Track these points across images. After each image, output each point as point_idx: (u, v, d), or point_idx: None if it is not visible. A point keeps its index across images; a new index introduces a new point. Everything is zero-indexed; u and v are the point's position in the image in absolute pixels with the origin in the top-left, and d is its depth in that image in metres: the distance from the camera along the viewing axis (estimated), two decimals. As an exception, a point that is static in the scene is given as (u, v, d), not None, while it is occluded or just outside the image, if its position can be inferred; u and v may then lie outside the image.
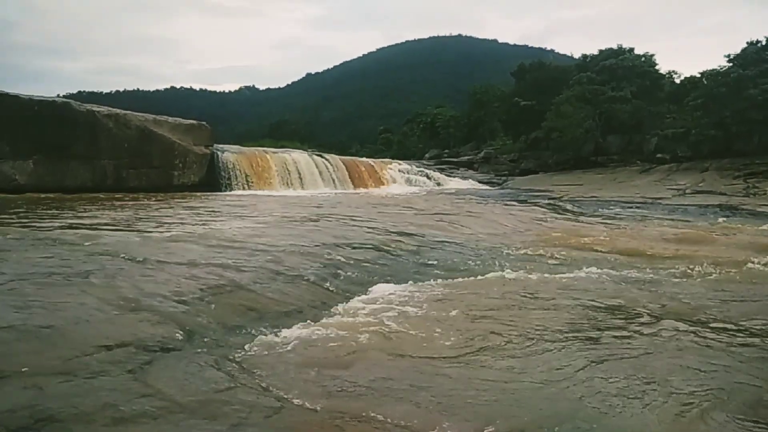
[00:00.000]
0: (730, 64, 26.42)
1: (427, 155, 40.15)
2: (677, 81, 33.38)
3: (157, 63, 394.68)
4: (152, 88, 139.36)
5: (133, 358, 3.29)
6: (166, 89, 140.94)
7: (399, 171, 28.03)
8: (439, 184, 27.91)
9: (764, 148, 24.31)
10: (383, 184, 25.75)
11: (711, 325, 4.79)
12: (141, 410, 2.74)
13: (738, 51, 26.47)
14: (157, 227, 8.63)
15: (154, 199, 14.96)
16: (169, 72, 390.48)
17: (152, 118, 19.17)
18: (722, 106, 25.18)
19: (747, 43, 26.44)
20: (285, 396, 3.08)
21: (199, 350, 3.59)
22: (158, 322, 3.87)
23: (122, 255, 5.75)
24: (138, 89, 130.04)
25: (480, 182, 29.99)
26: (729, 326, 4.76)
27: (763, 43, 25.99)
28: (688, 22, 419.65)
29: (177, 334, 3.74)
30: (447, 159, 37.09)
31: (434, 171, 30.52)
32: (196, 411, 2.81)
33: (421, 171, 29.27)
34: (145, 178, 18.15)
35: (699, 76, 30.37)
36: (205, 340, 3.80)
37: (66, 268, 4.95)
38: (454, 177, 30.70)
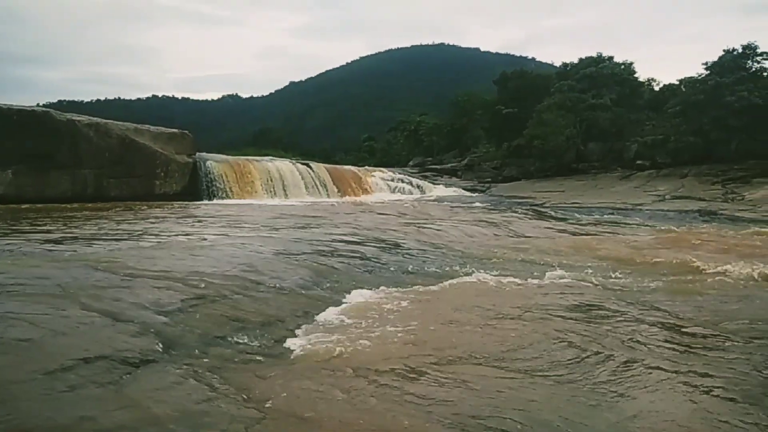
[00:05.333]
0: (708, 72, 26.87)
1: (410, 163, 40.33)
2: (656, 88, 33.98)
3: (138, 72, 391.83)
4: (134, 97, 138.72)
5: (112, 370, 3.26)
6: (147, 98, 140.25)
7: (383, 179, 28.10)
8: (423, 192, 28.04)
9: (742, 155, 24.74)
10: (367, 192, 25.78)
11: (687, 329, 4.87)
12: (120, 423, 2.72)
13: (715, 59, 26.97)
14: (137, 237, 8.56)
15: (135, 209, 14.82)
16: (150, 81, 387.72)
17: (133, 127, 19.03)
18: (700, 113, 25.60)
19: (723, 50, 26.92)
20: (266, 406, 3.07)
21: (179, 361, 3.56)
22: (137, 333, 3.84)
23: (101, 267, 5.70)
24: (119, 98, 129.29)
25: (464, 189, 30.21)
26: (707, 331, 4.84)
27: (740, 51, 26.48)
28: (667, 31, 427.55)
29: (156, 346, 3.71)
30: (431, 166, 37.29)
31: (418, 178, 30.69)
32: (176, 423, 2.79)
33: (405, 179, 29.38)
34: (127, 187, 17.97)
35: (677, 83, 30.89)
36: (185, 351, 3.77)
37: (44, 280, 4.89)
38: (438, 184, 30.89)
